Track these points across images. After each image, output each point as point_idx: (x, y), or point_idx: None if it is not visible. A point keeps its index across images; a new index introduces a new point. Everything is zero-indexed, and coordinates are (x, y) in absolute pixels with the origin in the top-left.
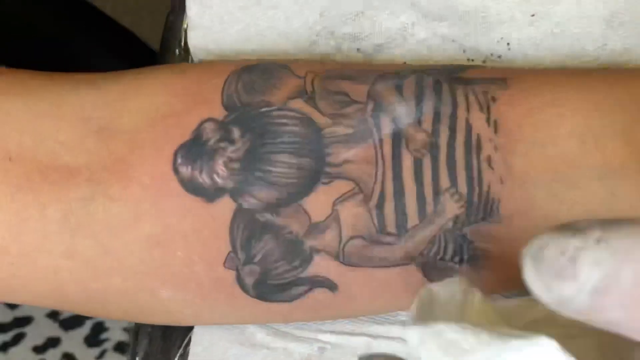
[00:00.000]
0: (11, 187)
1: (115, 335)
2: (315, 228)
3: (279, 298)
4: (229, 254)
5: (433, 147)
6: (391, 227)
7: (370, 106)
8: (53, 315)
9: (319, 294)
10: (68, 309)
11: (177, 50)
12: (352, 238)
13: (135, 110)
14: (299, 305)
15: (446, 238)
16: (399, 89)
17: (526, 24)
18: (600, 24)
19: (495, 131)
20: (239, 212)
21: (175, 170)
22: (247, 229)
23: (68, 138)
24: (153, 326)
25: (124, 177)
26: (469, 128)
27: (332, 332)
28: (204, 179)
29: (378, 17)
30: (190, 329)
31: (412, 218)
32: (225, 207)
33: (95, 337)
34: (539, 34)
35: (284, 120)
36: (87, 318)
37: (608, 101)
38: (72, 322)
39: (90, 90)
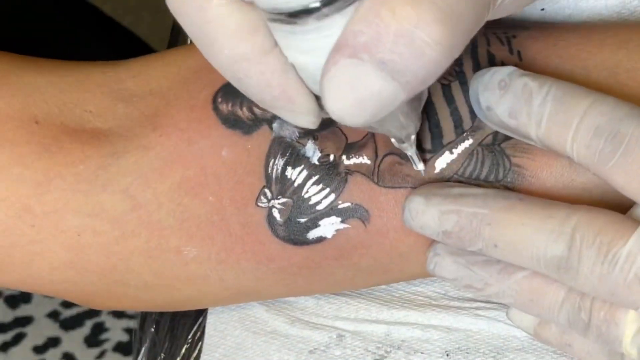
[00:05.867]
0: (38, 146)
1: (115, 335)
2: (351, 148)
3: (308, 237)
4: (262, 188)
5: (459, 74)
6: (426, 143)
7: None
8: (53, 315)
9: (350, 230)
10: (83, 289)
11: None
12: (386, 155)
13: (162, 75)
14: (328, 248)
15: (483, 154)
16: None
17: (535, 18)
18: (612, 15)
19: (520, 59)
20: (276, 141)
21: (215, 109)
22: (283, 157)
23: (96, 107)
24: (160, 315)
25: (159, 126)
26: (491, 57)
27: (349, 319)
28: (244, 111)
29: None
30: (198, 317)
31: (448, 134)
32: (262, 138)
33: (95, 337)
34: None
35: None
36: (87, 318)
37: (634, 42)
38: (72, 322)
39: (111, 67)
